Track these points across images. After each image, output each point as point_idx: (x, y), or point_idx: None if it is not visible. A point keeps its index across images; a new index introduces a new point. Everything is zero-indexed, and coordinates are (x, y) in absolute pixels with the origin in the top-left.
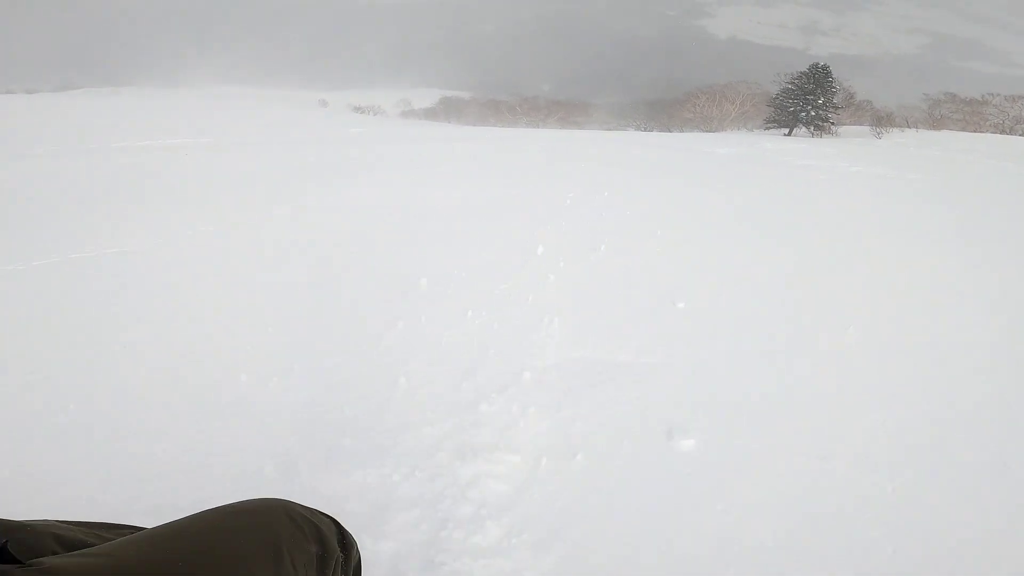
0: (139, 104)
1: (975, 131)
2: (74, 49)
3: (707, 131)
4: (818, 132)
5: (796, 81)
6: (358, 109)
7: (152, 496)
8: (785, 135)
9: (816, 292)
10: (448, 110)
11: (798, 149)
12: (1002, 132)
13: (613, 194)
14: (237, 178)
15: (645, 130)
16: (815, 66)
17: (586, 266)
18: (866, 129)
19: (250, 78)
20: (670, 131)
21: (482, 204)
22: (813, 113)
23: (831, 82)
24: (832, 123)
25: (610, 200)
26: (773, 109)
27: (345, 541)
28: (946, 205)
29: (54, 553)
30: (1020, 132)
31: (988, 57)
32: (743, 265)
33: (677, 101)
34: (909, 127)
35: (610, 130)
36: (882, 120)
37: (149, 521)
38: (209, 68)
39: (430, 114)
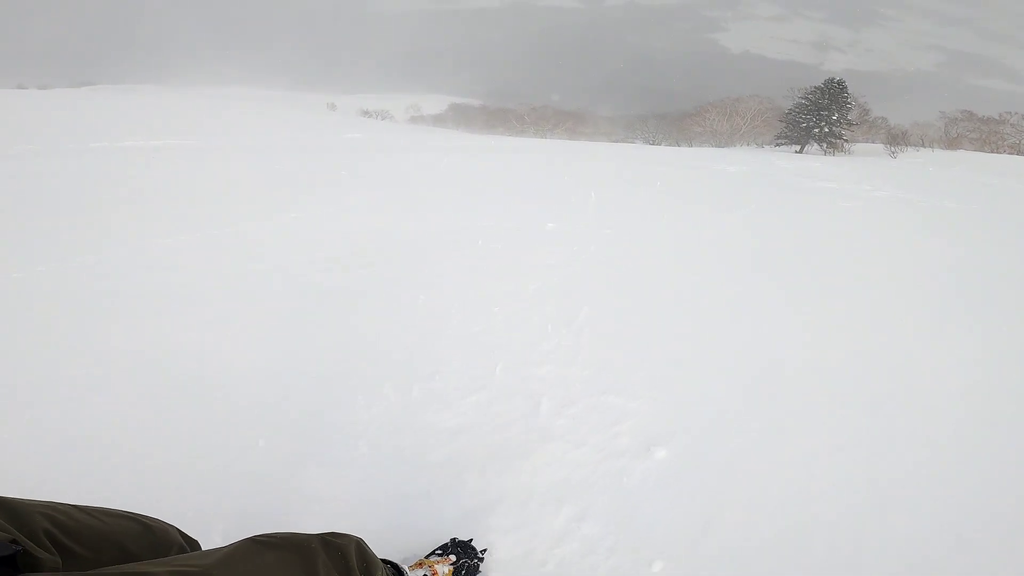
0: (143, 102)
1: (992, 151)
2: (97, 46)
3: (717, 146)
4: (831, 149)
5: (810, 96)
6: (366, 113)
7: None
8: (796, 152)
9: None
10: (456, 117)
11: (814, 169)
12: (1019, 153)
13: (581, 237)
14: (171, 190)
15: (653, 143)
16: (830, 81)
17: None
18: (879, 147)
19: (266, 80)
20: (679, 145)
21: (433, 237)
22: (827, 129)
23: (846, 98)
24: (846, 140)
25: (573, 249)
26: (785, 124)
27: (367, 564)
28: (1000, 246)
29: (48, 535)
30: None
31: (1005, 75)
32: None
33: (687, 114)
34: (924, 146)
35: (617, 142)
36: (896, 138)
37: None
38: (228, 69)
39: (439, 120)
